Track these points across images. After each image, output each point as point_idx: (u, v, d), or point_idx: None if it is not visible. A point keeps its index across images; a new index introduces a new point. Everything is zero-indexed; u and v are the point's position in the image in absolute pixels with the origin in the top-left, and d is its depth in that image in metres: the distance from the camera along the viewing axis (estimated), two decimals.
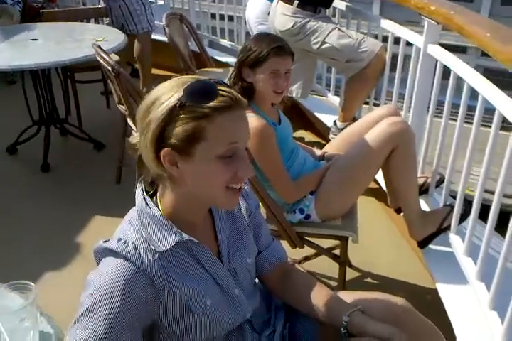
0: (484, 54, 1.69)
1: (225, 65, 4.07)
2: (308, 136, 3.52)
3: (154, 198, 1.04)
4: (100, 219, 2.66)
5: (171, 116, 0.91)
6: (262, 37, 1.83)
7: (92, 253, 1.02)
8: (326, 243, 2.06)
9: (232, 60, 4.19)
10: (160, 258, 0.97)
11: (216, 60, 4.03)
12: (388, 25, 2.66)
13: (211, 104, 0.91)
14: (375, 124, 1.93)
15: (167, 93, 0.93)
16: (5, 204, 2.81)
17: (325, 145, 2.25)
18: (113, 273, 0.93)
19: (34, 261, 2.33)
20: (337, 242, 2.02)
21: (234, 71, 1.80)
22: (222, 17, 4.51)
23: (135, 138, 1.01)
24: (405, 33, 2.50)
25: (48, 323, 1.19)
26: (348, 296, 1.26)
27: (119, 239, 0.97)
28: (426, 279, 2.16)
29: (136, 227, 0.99)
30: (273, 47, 1.73)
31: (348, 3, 3.05)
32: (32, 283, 1.14)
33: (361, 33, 2.97)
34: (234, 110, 0.94)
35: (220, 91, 0.93)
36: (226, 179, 0.96)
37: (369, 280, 2.26)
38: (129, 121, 2.77)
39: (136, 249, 0.95)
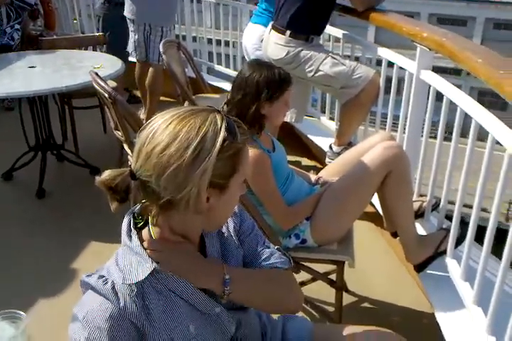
0: None
1: (221, 90, 4.11)
2: (305, 160, 3.53)
3: (146, 227, 1.03)
4: (95, 245, 2.65)
5: (218, 158, 0.92)
6: (270, 70, 1.80)
7: None
8: (322, 268, 2.05)
9: (228, 85, 4.24)
10: (136, 296, 0.96)
11: (212, 86, 4.08)
12: (381, 52, 2.71)
13: (243, 137, 0.97)
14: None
15: (204, 135, 0.91)
16: None
17: (321, 169, 2.26)
18: (97, 309, 0.94)
19: (27, 289, 2.30)
20: (333, 267, 2.01)
21: (247, 104, 1.78)
22: (219, 42, 4.58)
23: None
24: (398, 58, 2.54)
25: None
26: (343, 330, 1.26)
27: (101, 276, 0.98)
28: (423, 303, 2.14)
29: (120, 265, 0.99)
30: (287, 80, 1.81)
31: (344, 32, 3.10)
32: (23, 313, 1.13)
33: (355, 57, 3.02)
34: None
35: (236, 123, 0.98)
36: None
37: (366, 304, 2.24)
38: (126, 147, 2.78)
39: (113, 288, 0.95)
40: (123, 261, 0.99)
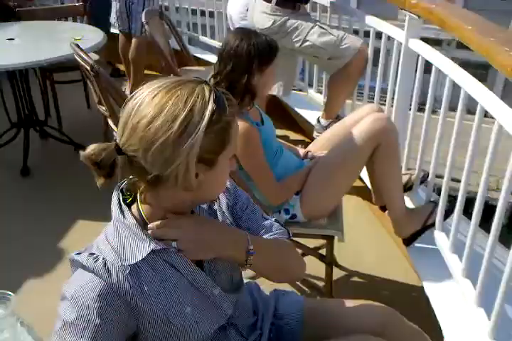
0: (459, 46, 1.70)
1: (204, 62, 4.03)
2: (293, 135, 3.49)
3: (135, 205, 1.00)
4: (82, 223, 2.62)
5: (206, 132, 0.88)
6: (258, 38, 1.74)
7: None
8: (312, 243, 2.04)
9: (211, 57, 4.15)
10: (130, 273, 0.94)
11: (195, 58, 3.99)
12: (370, 20, 2.66)
13: (231, 110, 0.93)
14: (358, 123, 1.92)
15: (192, 108, 0.87)
16: None
17: (309, 143, 2.24)
18: (86, 287, 0.92)
19: (14, 268, 2.27)
20: (323, 241, 2.01)
21: (238, 75, 1.71)
22: (202, 13, 4.46)
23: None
24: (386, 27, 2.50)
25: (28, 334, 1.16)
26: (335, 304, 1.26)
27: (91, 254, 0.95)
28: (412, 277, 2.15)
29: (111, 242, 0.96)
30: (276, 47, 1.74)
31: (331, 0, 3.03)
32: (11, 293, 1.10)
33: (343, 28, 2.96)
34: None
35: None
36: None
37: (356, 279, 2.26)
38: (110, 122, 2.72)
39: (105, 264, 0.93)
40: (116, 240, 0.96)
